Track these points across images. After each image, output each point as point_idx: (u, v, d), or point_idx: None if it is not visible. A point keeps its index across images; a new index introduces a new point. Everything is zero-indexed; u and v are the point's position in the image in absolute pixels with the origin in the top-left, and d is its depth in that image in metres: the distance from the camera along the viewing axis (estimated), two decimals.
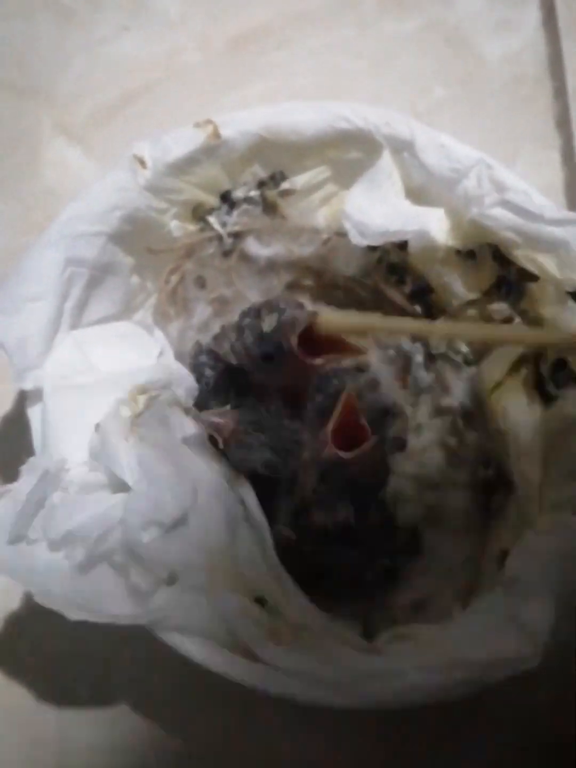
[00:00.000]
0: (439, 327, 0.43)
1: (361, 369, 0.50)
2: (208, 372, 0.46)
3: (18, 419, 0.54)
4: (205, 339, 0.48)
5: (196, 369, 0.46)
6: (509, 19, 0.70)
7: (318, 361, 0.40)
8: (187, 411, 0.42)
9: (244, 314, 0.43)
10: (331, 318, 0.41)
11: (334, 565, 0.43)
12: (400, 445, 0.49)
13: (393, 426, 0.50)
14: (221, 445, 0.42)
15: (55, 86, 0.67)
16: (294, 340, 0.40)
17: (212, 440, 0.42)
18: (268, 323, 0.41)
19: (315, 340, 0.40)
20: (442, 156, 0.45)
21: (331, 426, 0.39)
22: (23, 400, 0.41)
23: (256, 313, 0.42)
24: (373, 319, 0.43)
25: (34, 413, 0.39)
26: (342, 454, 0.38)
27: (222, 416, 0.43)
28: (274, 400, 0.45)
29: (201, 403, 0.45)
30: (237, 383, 0.46)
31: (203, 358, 0.47)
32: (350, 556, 0.43)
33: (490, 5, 0.70)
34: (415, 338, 0.53)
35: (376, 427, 0.46)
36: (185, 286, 0.48)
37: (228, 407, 0.44)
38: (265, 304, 0.42)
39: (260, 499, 0.41)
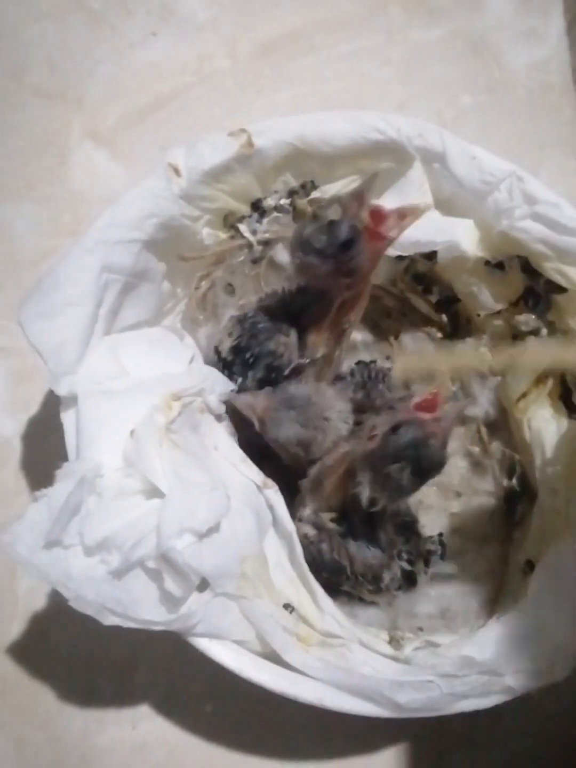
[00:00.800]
0: (510, 354, 0.42)
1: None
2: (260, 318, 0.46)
3: (46, 421, 0.56)
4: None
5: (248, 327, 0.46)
6: (535, 27, 0.70)
7: (392, 232, 0.40)
8: (218, 417, 0.42)
9: (299, 232, 0.41)
10: (406, 361, 0.40)
11: (352, 564, 0.43)
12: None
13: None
14: (256, 424, 0.42)
15: (84, 90, 0.67)
16: (365, 214, 0.39)
17: (244, 422, 0.42)
18: (333, 213, 0.39)
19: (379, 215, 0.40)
20: (473, 168, 0.45)
21: (416, 399, 0.39)
22: (53, 400, 0.41)
23: (312, 217, 0.41)
24: (445, 357, 0.42)
25: (68, 418, 0.39)
26: (422, 414, 0.38)
27: (254, 396, 0.43)
28: (303, 376, 0.46)
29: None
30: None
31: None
32: (369, 555, 0.43)
33: (517, 13, 0.71)
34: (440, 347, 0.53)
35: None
36: (215, 292, 0.49)
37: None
38: (318, 207, 0.41)
39: (288, 491, 0.41)
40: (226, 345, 0.46)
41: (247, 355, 0.45)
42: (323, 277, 0.41)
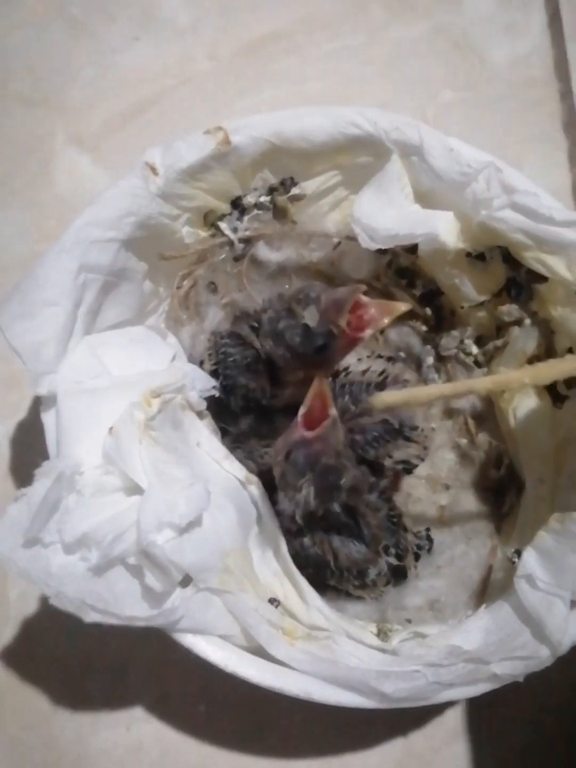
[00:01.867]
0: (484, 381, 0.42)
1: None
2: (232, 351, 0.46)
3: (34, 425, 0.55)
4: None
5: (220, 353, 0.46)
6: (516, 22, 0.70)
7: (367, 333, 0.39)
8: (200, 414, 0.42)
9: (273, 319, 0.42)
10: (385, 397, 0.40)
11: (336, 558, 0.42)
12: (408, 469, 0.48)
13: (404, 449, 0.50)
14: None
15: (66, 96, 0.67)
16: (344, 321, 0.38)
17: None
18: (311, 316, 0.39)
19: (355, 313, 0.39)
20: (451, 160, 0.45)
21: (302, 410, 0.39)
22: (38, 406, 0.41)
23: (287, 312, 0.41)
24: (423, 391, 0.42)
25: (48, 417, 0.39)
26: (305, 432, 0.38)
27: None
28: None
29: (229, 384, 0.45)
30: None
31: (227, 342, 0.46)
32: (353, 550, 0.43)
33: (497, 9, 0.71)
34: (425, 340, 0.53)
35: (387, 446, 0.47)
36: (197, 291, 0.49)
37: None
38: (293, 299, 0.41)
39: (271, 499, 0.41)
40: (206, 368, 0.46)
41: (224, 382, 0.45)
42: (292, 362, 0.42)
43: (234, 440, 0.46)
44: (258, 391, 0.45)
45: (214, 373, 0.46)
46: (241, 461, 0.43)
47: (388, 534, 0.44)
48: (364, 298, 0.38)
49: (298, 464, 0.38)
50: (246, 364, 0.45)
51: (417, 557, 0.46)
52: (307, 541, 0.42)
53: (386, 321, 0.38)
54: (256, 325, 0.45)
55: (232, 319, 0.48)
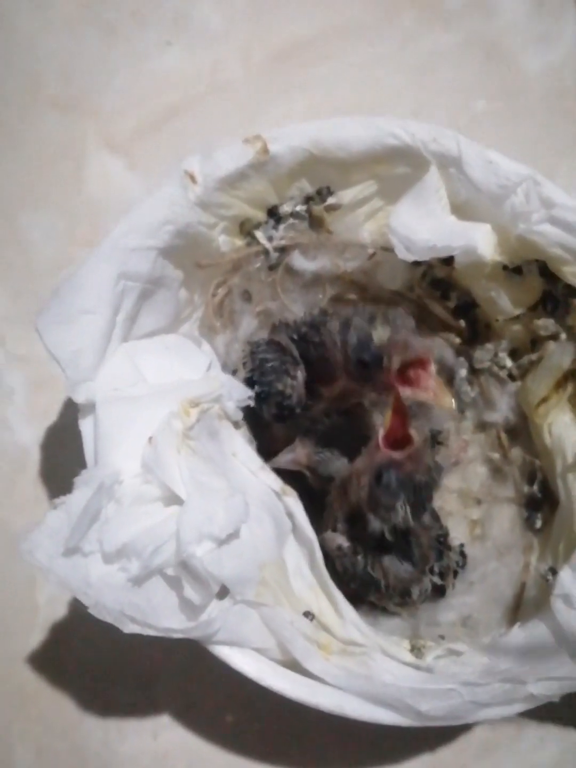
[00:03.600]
0: None
1: None
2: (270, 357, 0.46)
3: (64, 429, 0.56)
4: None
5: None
6: (549, 31, 0.70)
7: (407, 392, 0.40)
8: (236, 424, 0.42)
9: (355, 312, 0.43)
10: None
11: (386, 580, 0.42)
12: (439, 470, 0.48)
13: (438, 454, 0.50)
14: (308, 474, 0.44)
15: (99, 101, 0.67)
16: (396, 364, 0.39)
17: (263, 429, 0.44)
18: (380, 335, 0.40)
19: (407, 369, 0.40)
20: (489, 172, 0.45)
21: (382, 432, 0.40)
22: (71, 408, 0.41)
23: (370, 316, 0.41)
24: None
25: (86, 425, 0.39)
26: (394, 454, 0.39)
27: (291, 451, 0.45)
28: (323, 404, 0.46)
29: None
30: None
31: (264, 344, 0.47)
32: (402, 570, 0.43)
33: (530, 18, 0.70)
34: (459, 353, 0.53)
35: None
36: (232, 299, 0.49)
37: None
38: (382, 311, 0.42)
39: (308, 510, 0.41)
40: (241, 376, 0.47)
41: (258, 390, 0.45)
42: (336, 355, 0.43)
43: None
44: (294, 398, 0.45)
45: (248, 381, 0.46)
46: None
47: (436, 554, 0.44)
48: (432, 369, 0.39)
49: (392, 485, 0.39)
50: (284, 369, 0.45)
51: (455, 575, 0.46)
52: (360, 558, 0.42)
53: (424, 397, 0.40)
54: (294, 336, 0.45)
55: (270, 327, 0.48)
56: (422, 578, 0.44)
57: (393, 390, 0.40)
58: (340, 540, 0.43)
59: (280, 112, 0.66)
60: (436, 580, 0.44)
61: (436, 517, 0.46)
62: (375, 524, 0.40)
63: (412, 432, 0.39)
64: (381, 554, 0.43)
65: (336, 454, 0.45)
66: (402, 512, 0.39)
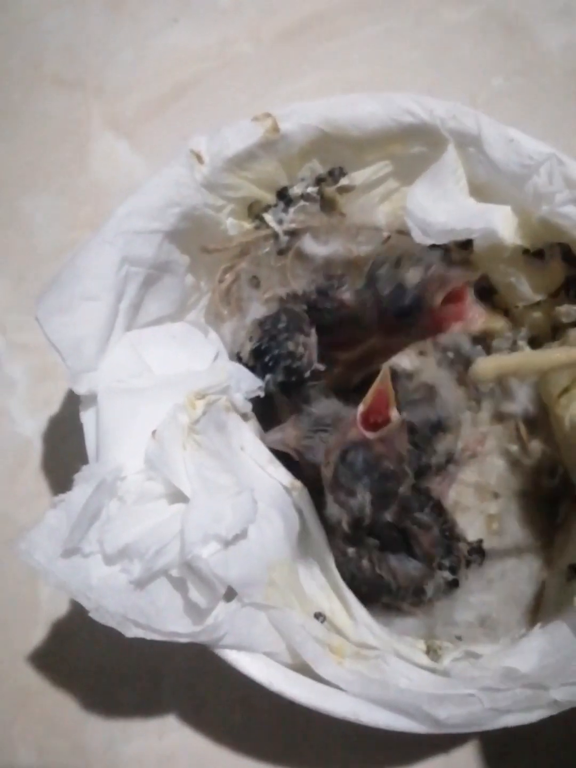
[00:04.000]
0: None
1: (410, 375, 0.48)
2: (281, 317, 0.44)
3: (67, 420, 0.54)
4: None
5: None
6: (570, 5, 0.67)
7: (457, 327, 0.38)
8: (244, 416, 0.40)
9: (378, 264, 0.40)
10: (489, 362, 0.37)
11: (396, 580, 0.41)
12: (449, 458, 0.47)
13: (443, 441, 0.48)
14: (294, 455, 0.41)
15: (103, 79, 0.65)
16: (438, 299, 0.37)
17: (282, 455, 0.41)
18: (412, 276, 0.38)
19: (455, 302, 0.38)
20: (510, 151, 0.43)
21: (361, 408, 0.37)
22: (72, 401, 0.39)
23: (395, 261, 0.39)
24: (543, 356, 0.38)
25: (87, 418, 0.37)
26: (367, 433, 0.36)
27: (282, 430, 0.42)
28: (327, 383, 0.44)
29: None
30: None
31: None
32: (411, 568, 0.41)
33: None
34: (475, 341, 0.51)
35: (425, 442, 0.45)
36: (239, 285, 0.47)
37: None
38: (406, 252, 0.40)
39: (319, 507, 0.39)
40: (247, 349, 0.45)
41: (267, 359, 0.43)
42: (367, 313, 0.41)
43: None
44: (305, 360, 0.43)
45: (256, 352, 0.44)
46: None
47: (443, 550, 0.42)
48: (470, 295, 0.37)
49: (356, 466, 0.36)
50: (297, 327, 0.43)
51: (468, 564, 0.44)
52: (365, 563, 0.40)
53: (478, 327, 0.37)
54: (304, 306, 0.44)
55: (279, 300, 0.47)
56: (434, 574, 0.42)
57: (437, 330, 0.39)
58: (345, 546, 0.41)
59: (290, 89, 0.64)
60: (448, 575, 0.42)
61: (439, 510, 0.44)
62: (332, 509, 0.37)
63: (393, 414, 0.37)
64: (386, 555, 0.41)
65: (326, 442, 0.41)
66: (361, 499, 0.36)
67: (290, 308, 0.45)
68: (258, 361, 0.44)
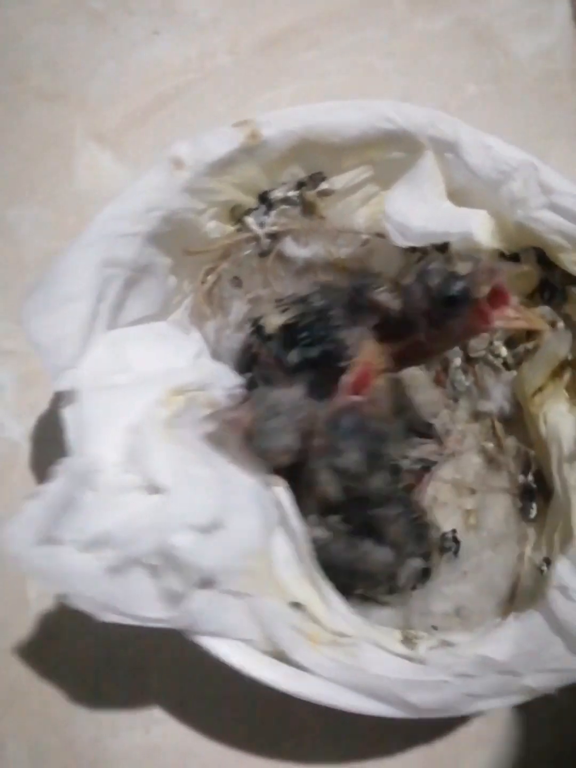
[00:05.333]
0: None
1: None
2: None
3: (54, 424, 0.53)
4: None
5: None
6: (540, 14, 0.69)
7: (498, 322, 0.39)
8: None
9: (430, 259, 0.42)
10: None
11: (366, 566, 0.42)
12: (427, 467, 0.48)
13: (424, 446, 0.49)
14: (241, 438, 0.39)
15: (86, 91, 0.66)
16: (485, 291, 0.38)
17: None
18: (462, 267, 0.39)
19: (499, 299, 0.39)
20: (487, 157, 0.44)
21: (348, 378, 0.39)
22: (57, 405, 0.40)
23: (446, 257, 0.41)
24: None
25: (68, 414, 0.38)
26: (354, 398, 0.38)
27: (238, 409, 0.41)
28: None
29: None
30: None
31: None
32: (381, 555, 0.42)
33: (521, 2, 0.70)
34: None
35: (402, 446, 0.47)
36: (221, 285, 0.48)
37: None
38: (458, 252, 0.41)
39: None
40: (274, 320, 0.45)
41: (305, 335, 0.43)
42: (415, 305, 0.41)
43: None
44: (349, 351, 0.43)
45: (289, 327, 0.44)
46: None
47: (413, 539, 0.43)
48: (511, 296, 0.38)
49: (347, 428, 0.38)
50: (353, 320, 0.43)
51: (442, 552, 0.45)
52: (336, 547, 0.41)
53: (516, 325, 0.39)
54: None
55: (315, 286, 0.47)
56: (406, 561, 0.43)
57: (482, 325, 0.40)
58: (317, 531, 0.41)
59: (268, 99, 0.65)
60: (419, 563, 0.43)
61: (406, 503, 0.44)
62: (322, 476, 0.39)
63: (379, 381, 0.38)
64: (358, 540, 0.41)
65: (281, 429, 0.40)
66: (348, 457, 0.38)
67: (336, 297, 0.45)
68: (288, 334, 0.44)
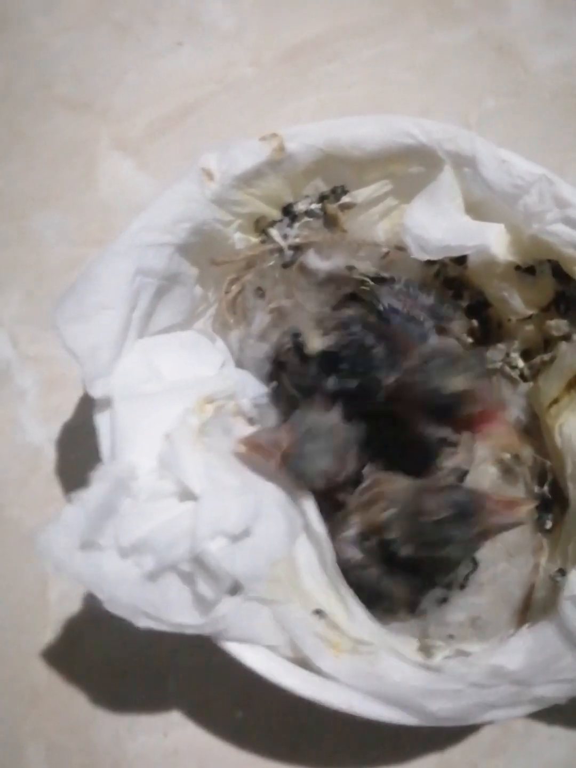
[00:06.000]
0: None
1: None
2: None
3: (76, 429, 0.56)
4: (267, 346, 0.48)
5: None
6: (559, 29, 0.70)
7: (483, 436, 0.42)
8: (250, 421, 0.42)
9: (438, 352, 0.42)
10: None
11: (392, 591, 0.42)
12: (461, 477, 0.48)
13: (455, 455, 0.49)
14: (277, 462, 0.40)
15: (110, 101, 0.68)
16: (465, 412, 0.40)
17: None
18: (457, 383, 0.40)
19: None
20: (503, 172, 0.44)
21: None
22: (84, 408, 0.41)
23: (454, 359, 0.41)
24: None
25: (102, 420, 0.39)
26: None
27: (276, 431, 0.41)
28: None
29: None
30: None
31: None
32: (411, 584, 0.43)
33: (542, 15, 0.71)
34: None
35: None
36: (245, 296, 0.49)
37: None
38: (464, 354, 0.42)
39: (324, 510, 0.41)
40: (315, 343, 0.44)
41: (345, 366, 0.43)
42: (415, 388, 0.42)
43: None
44: (383, 392, 0.43)
45: (329, 356, 0.44)
46: None
47: (444, 573, 0.44)
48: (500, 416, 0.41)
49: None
50: (392, 363, 0.43)
51: (463, 586, 0.46)
52: (371, 572, 0.41)
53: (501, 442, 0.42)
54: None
55: (340, 299, 0.48)
56: (431, 591, 0.43)
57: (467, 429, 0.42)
58: (352, 552, 0.41)
59: (290, 110, 0.66)
60: (442, 593, 0.44)
61: (473, 550, 0.44)
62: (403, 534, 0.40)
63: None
64: (394, 571, 0.42)
65: (319, 452, 0.40)
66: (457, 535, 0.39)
67: (377, 332, 0.45)
68: (327, 360, 0.44)
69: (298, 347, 0.44)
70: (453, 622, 0.45)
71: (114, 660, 0.50)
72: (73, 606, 0.50)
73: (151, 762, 0.49)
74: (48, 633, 0.50)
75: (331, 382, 0.43)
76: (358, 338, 0.44)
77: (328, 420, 0.41)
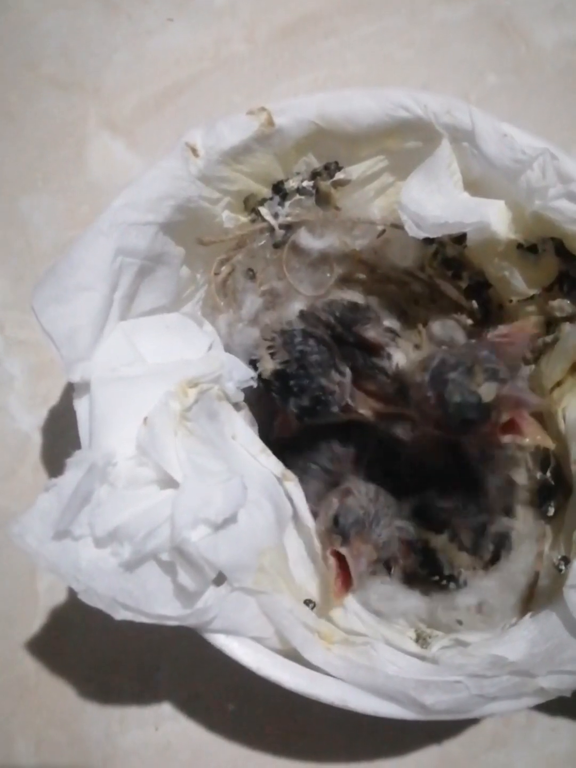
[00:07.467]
0: None
1: None
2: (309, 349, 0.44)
3: (65, 415, 0.55)
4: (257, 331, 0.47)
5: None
6: (563, 4, 0.68)
7: (506, 439, 0.39)
8: (236, 406, 0.41)
9: (449, 366, 0.40)
10: None
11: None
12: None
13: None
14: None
15: (100, 80, 0.66)
16: (504, 418, 0.38)
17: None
18: (487, 391, 0.38)
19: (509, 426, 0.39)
20: (504, 146, 0.43)
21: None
22: (69, 396, 0.40)
23: (468, 369, 0.39)
24: None
25: (81, 405, 0.37)
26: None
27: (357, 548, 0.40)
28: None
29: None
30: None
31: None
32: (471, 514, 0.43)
33: None
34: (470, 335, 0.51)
35: None
36: (235, 277, 0.47)
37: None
38: (477, 360, 0.40)
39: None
40: (268, 365, 0.44)
41: (292, 384, 0.43)
42: (423, 407, 0.41)
43: None
44: (336, 397, 0.43)
45: (279, 374, 0.44)
46: None
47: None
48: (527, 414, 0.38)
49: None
50: (332, 364, 0.44)
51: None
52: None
53: (527, 443, 0.40)
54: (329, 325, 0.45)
55: (299, 315, 0.47)
56: (495, 520, 0.43)
57: (488, 441, 0.40)
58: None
59: (285, 88, 0.65)
60: (506, 524, 0.44)
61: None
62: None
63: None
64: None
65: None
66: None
67: (318, 335, 0.45)
68: (281, 381, 0.44)
69: (260, 375, 0.44)
70: (462, 605, 0.44)
71: (104, 652, 0.49)
72: (61, 597, 0.50)
73: (143, 756, 0.48)
74: (36, 625, 0.50)
75: (291, 404, 0.43)
76: (297, 351, 0.44)
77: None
